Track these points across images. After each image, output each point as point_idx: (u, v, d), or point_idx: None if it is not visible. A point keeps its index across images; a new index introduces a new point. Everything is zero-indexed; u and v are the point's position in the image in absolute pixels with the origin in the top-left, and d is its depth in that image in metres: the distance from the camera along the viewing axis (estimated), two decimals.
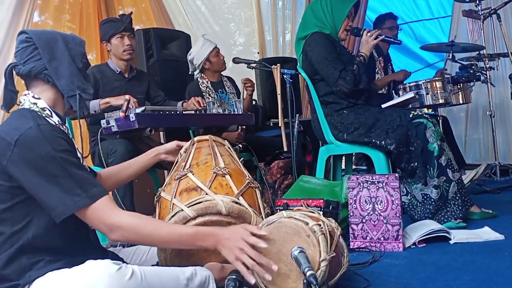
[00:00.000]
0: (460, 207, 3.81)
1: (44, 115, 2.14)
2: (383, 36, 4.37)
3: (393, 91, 6.02)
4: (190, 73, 5.61)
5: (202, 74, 5.46)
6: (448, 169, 3.83)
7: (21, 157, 1.97)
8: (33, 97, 2.19)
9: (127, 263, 2.14)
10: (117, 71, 4.66)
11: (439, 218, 3.79)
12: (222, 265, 2.40)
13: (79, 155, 2.24)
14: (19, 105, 2.22)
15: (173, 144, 2.88)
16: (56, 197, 1.96)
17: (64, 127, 2.23)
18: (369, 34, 4.32)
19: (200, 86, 5.36)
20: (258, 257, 2.05)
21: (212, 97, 5.28)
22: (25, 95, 2.21)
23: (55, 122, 2.16)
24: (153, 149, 2.92)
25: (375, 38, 4.30)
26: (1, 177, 2.02)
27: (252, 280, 2.05)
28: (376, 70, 6.10)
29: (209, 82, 5.39)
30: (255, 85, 5.75)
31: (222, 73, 5.65)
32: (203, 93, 5.28)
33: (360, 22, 7.15)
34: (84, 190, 1.99)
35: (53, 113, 2.20)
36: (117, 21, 4.68)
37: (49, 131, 2.02)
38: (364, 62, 4.23)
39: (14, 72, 2.24)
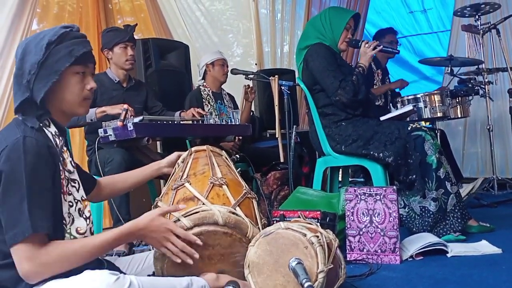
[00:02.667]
0: (459, 220, 3.80)
1: (41, 124, 2.12)
2: (381, 46, 4.38)
3: (390, 104, 6.03)
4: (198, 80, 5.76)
5: (204, 83, 5.60)
6: (446, 182, 3.83)
7: (1, 169, 1.95)
8: None
9: (124, 273, 2.12)
10: (116, 80, 4.65)
11: (438, 231, 3.78)
12: (217, 276, 2.39)
13: (70, 167, 2.23)
14: None
15: (174, 156, 2.86)
16: (8, 222, 1.93)
17: (60, 138, 2.20)
18: (367, 45, 4.34)
19: (202, 93, 5.49)
20: (183, 247, 2.22)
21: (211, 105, 5.38)
22: None
23: (51, 133, 2.15)
24: (155, 162, 2.91)
25: (373, 49, 4.31)
26: None
27: (178, 260, 2.21)
28: (375, 82, 6.12)
29: (210, 91, 5.51)
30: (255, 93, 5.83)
31: (223, 87, 5.78)
32: (203, 100, 5.36)
33: (359, 35, 7.18)
34: (14, 227, 1.92)
35: (51, 123, 2.18)
36: (122, 30, 4.68)
37: (32, 146, 1.98)
38: (363, 73, 4.24)
39: None
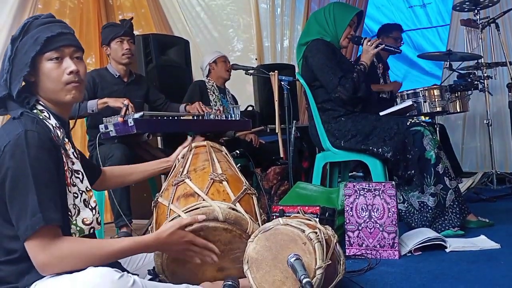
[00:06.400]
0: (457, 215, 3.81)
1: (41, 117, 2.12)
2: (384, 45, 4.38)
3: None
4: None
5: (209, 78, 5.69)
6: (445, 177, 3.84)
7: (5, 165, 1.95)
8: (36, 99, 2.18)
9: (125, 269, 2.14)
10: (116, 75, 4.66)
11: (437, 226, 3.79)
12: (212, 283, 2.44)
13: (73, 158, 2.23)
14: None
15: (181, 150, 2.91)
16: (19, 216, 1.94)
17: (61, 130, 2.19)
18: (369, 43, 4.33)
19: (206, 84, 5.59)
20: (202, 250, 2.28)
21: (216, 95, 5.45)
22: None
23: (52, 125, 2.14)
24: (164, 159, 2.95)
25: (376, 47, 4.31)
26: None
27: (198, 261, 2.29)
28: (379, 76, 6.15)
29: (215, 83, 5.57)
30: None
31: (227, 86, 5.87)
32: (208, 91, 5.43)
33: (358, 29, 7.19)
34: (26, 220, 1.92)
35: (51, 116, 2.17)
36: (118, 25, 4.70)
37: (35, 139, 1.98)
38: (364, 71, 4.24)
39: None
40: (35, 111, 2.14)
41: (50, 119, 2.16)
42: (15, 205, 1.95)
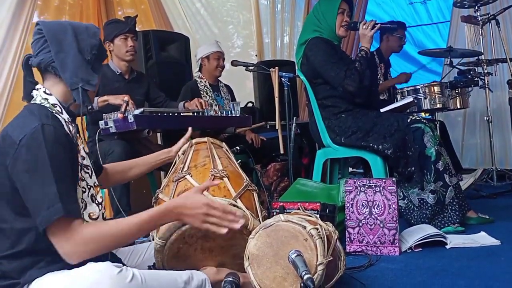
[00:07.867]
0: (457, 212, 3.81)
1: (54, 112, 2.12)
2: (379, 24, 4.32)
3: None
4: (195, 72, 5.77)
5: (201, 74, 5.60)
6: (445, 174, 3.84)
7: (21, 158, 1.94)
8: (45, 92, 2.17)
9: (125, 264, 2.14)
10: (118, 72, 4.66)
11: (436, 223, 3.80)
12: (217, 269, 2.43)
13: (83, 153, 2.24)
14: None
15: (181, 142, 2.94)
16: (38, 206, 1.93)
17: (72, 125, 2.21)
18: (364, 26, 4.27)
19: (199, 84, 5.49)
20: (224, 216, 2.16)
21: (209, 96, 5.39)
22: (37, 89, 2.20)
23: (64, 120, 2.15)
24: (164, 150, 2.94)
25: (372, 29, 4.27)
26: (5, 175, 1.99)
27: (224, 230, 2.15)
28: (378, 76, 6.13)
29: (207, 82, 5.50)
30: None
31: (220, 79, 5.79)
32: (201, 92, 5.36)
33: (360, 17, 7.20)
34: (45, 209, 1.92)
35: (63, 110, 2.18)
36: (122, 22, 4.69)
37: (51, 133, 1.98)
38: (366, 56, 4.19)
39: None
40: (47, 105, 2.15)
41: (62, 114, 2.17)
42: (31, 199, 1.94)
